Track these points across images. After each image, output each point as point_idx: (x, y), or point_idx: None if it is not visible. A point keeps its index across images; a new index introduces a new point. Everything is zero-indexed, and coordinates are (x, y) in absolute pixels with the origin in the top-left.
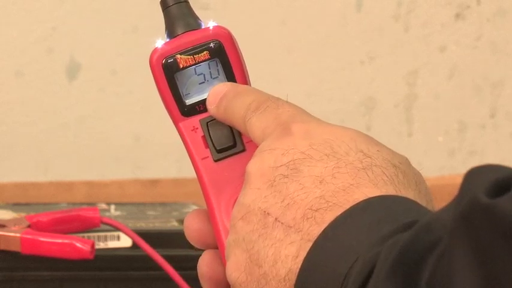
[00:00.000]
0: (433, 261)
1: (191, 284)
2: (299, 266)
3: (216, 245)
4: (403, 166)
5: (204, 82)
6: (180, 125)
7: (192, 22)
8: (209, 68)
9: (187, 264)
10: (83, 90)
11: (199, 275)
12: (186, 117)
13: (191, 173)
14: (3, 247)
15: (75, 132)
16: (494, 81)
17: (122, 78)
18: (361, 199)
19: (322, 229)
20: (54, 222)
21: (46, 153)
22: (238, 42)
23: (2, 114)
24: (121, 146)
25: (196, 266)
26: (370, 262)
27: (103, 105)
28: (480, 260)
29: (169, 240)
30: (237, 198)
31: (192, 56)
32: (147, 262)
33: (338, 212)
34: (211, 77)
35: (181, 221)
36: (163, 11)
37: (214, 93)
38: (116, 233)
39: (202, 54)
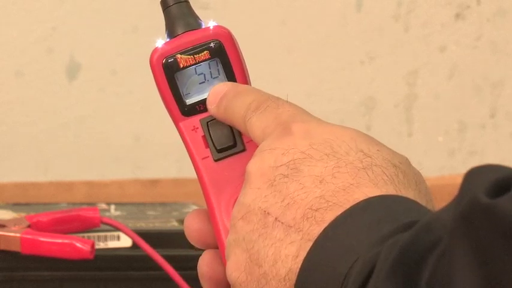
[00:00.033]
0: (433, 261)
1: (191, 284)
2: (299, 265)
3: (216, 245)
4: (403, 166)
5: (204, 82)
6: (181, 124)
7: (193, 22)
8: (209, 68)
9: (187, 264)
10: (83, 90)
11: (199, 274)
12: (186, 117)
13: (191, 173)
14: (3, 247)
15: (75, 132)
16: (494, 81)
17: (122, 78)
18: (361, 199)
19: (322, 229)
20: (54, 222)
21: (46, 153)
22: (238, 42)
23: (2, 114)
24: (121, 146)
25: (196, 266)
26: (370, 262)
27: (103, 105)
28: (480, 260)
29: (169, 240)
30: (237, 198)
31: (192, 56)
32: (147, 262)
33: (338, 211)
34: (211, 77)
35: (181, 221)
36: (163, 11)
37: (214, 92)
38: (116, 233)
39: (202, 54)
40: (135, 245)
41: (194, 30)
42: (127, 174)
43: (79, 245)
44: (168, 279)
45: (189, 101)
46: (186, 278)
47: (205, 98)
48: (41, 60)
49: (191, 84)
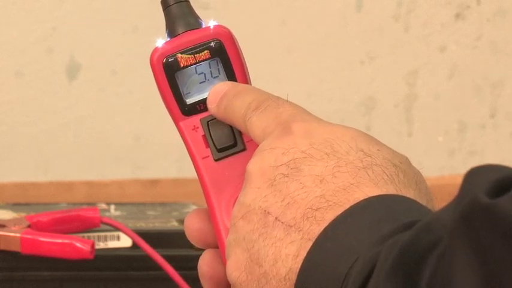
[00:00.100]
0: (434, 262)
1: (191, 284)
2: (299, 265)
3: (216, 245)
4: (403, 165)
5: (204, 81)
6: (181, 124)
7: (193, 21)
8: (210, 67)
9: (187, 264)
10: (83, 90)
11: (199, 274)
12: (186, 117)
13: (191, 173)
14: (3, 247)
15: (75, 132)
16: (494, 81)
17: (122, 78)
18: (361, 198)
19: (323, 228)
20: (54, 222)
21: (46, 153)
22: (238, 42)
23: (2, 114)
24: (121, 146)
25: (196, 266)
26: (370, 262)
27: (103, 105)
28: (480, 260)
29: (169, 240)
30: (237, 197)
31: (192, 55)
32: (147, 262)
33: (338, 211)
34: (211, 76)
35: (181, 221)
36: (163, 11)
37: (214, 92)
38: (116, 233)
39: (202, 53)
40: (135, 245)
41: (194, 30)
42: (127, 174)
43: (79, 245)
44: (168, 279)
45: (190, 100)
46: (186, 278)
47: (206, 98)
48: (41, 60)
49: (191, 83)
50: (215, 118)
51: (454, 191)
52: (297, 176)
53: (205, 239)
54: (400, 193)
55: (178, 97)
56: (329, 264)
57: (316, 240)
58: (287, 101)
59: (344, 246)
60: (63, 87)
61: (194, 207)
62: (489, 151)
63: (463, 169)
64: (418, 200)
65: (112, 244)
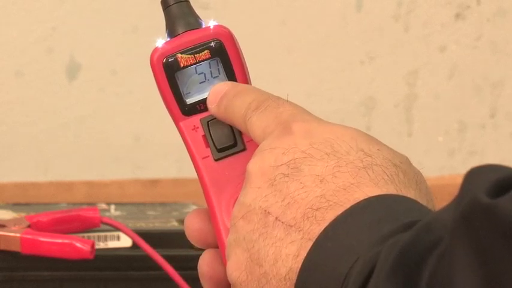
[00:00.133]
0: (434, 262)
1: (191, 284)
2: (299, 265)
3: (216, 245)
4: (403, 165)
5: (204, 81)
6: (181, 124)
7: (193, 21)
8: (210, 67)
9: (187, 264)
10: (83, 90)
11: (199, 274)
12: (186, 117)
13: (191, 173)
14: (3, 247)
15: (75, 132)
16: (494, 81)
17: (122, 78)
18: (361, 198)
19: (323, 228)
20: (54, 222)
21: (46, 153)
22: (238, 42)
23: (2, 114)
24: (121, 146)
25: (196, 266)
26: (370, 262)
27: (103, 105)
28: (481, 260)
29: (169, 240)
30: (237, 197)
31: (192, 55)
32: (147, 262)
33: (339, 211)
34: (211, 76)
35: (181, 221)
36: (163, 11)
37: (214, 92)
38: (116, 233)
39: (203, 53)
40: (135, 245)
41: (194, 30)
42: (127, 174)
43: (79, 245)
44: (168, 279)
45: (190, 100)
46: (186, 278)
47: (206, 98)
48: (41, 60)
49: (191, 83)
50: (215, 118)
51: (454, 191)
52: (297, 175)
53: (205, 239)
54: (400, 193)
55: (178, 97)
56: (329, 264)
57: (317, 240)
58: (287, 101)
59: (344, 246)
60: (63, 87)
61: (194, 207)
62: (489, 151)
63: (463, 169)
64: (418, 200)
65: (112, 244)
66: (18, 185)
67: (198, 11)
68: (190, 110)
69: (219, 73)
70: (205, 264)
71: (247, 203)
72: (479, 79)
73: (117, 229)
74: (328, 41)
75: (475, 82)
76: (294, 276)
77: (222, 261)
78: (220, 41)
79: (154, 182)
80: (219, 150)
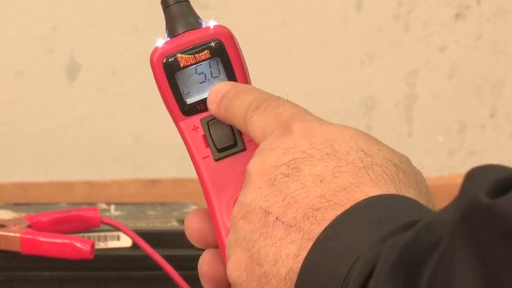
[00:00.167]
0: (434, 262)
1: (191, 284)
2: (300, 265)
3: (216, 245)
4: (403, 165)
5: (204, 81)
6: (181, 124)
7: (193, 21)
8: (210, 67)
9: (187, 264)
10: (83, 90)
11: (199, 274)
12: (186, 117)
13: (191, 173)
14: (3, 247)
15: (75, 132)
16: (494, 81)
17: (122, 78)
18: (361, 198)
19: (323, 228)
20: (54, 222)
21: (46, 153)
22: (238, 42)
23: (2, 114)
24: (121, 146)
25: (196, 266)
26: (370, 262)
27: (103, 105)
28: (481, 260)
29: (169, 240)
30: (237, 197)
31: (192, 55)
32: (147, 262)
33: (339, 211)
34: (212, 76)
35: (181, 221)
36: (163, 11)
37: (214, 92)
38: (116, 233)
39: (203, 53)
40: (135, 245)
41: (194, 30)
42: (127, 174)
43: (79, 245)
44: (168, 279)
45: (190, 100)
46: (186, 278)
47: (206, 98)
48: (41, 60)
49: (191, 83)
50: (215, 118)
51: (454, 191)
52: (297, 175)
53: (206, 239)
54: (400, 193)
55: (179, 97)
56: (329, 264)
57: (317, 240)
58: (287, 101)
59: (344, 246)
60: (63, 87)
61: (194, 207)
62: (489, 151)
63: (463, 169)
64: (418, 200)
65: (112, 244)
66: (18, 185)
67: (198, 11)
68: (190, 110)
69: (219, 73)
70: (206, 264)
71: (247, 203)
72: (479, 79)
73: (117, 229)
74: (328, 41)
75: (475, 82)
76: (294, 276)
77: (222, 261)
78: (220, 41)
79: (154, 182)
80: (219, 150)
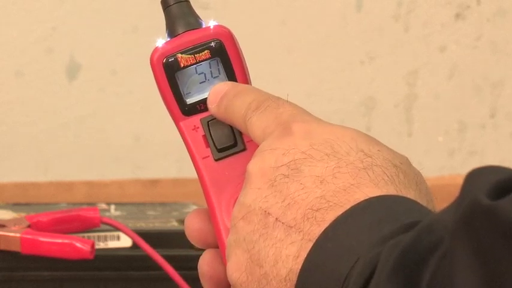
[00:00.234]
0: (435, 263)
1: (191, 284)
2: (300, 266)
3: (216, 245)
4: (403, 166)
5: (204, 81)
6: (181, 124)
7: (193, 21)
8: (210, 67)
9: (187, 264)
10: (83, 90)
11: (199, 274)
12: (186, 117)
13: (191, 173)
14: (3, 247)
15: (75, 132)
16: (494, 81)
17: (122, 78)
18: (361, 199)
19: (323, 229)
20: (54, 222)
21: (46, 153)
22: (238, 42)
23: (2, 114)
24: (121, 146)
25: (196, 266)
26: (371, 263)
27: (103, 105)
28: (481, 261)
29: (169, 240)
30: (237, 197)
31: (192, 55)
32: (147, 262)
33: (339, 211)
34: (212, 76)
35: (181, 221)
36: (163, 11)
37: (214, 92)
38: (116, 233)
39: (203, 53)
40: (135, 245)
41: (195, 30)
42: (127, 174)
43: (79, 245)
44: (168, 279)
45: (190, 100)
46: (186, 278)
47: (206, 98)
48: (41, 60)
49: (192, 83)
50: (215, 118)
51: (454, 191)
52: (297, 176)
53: (206, 239)
54: (400, 194)
55: (179, 97)
56: (329, 265)
57: (317, 241)
58: (287, 101)
59: (344, 247)
60: (63, 87)
61: (194, 207)
62: (489, 151)
63: (463, 169)
64: (418, 200)
65: (112, 244)
66: (18, 185)
67: (198, 11)
68: (190, 110)
69: (219, 73)
70: (206, 264)
71: (247, 204)
72: (479, 79)
73: (117, 229)
74: (328, 41)
75: (475, 82)
76: (294, 277)
77: (222, 261)
78: (220, 41)
79: (154, 182)
80: (219, 150)
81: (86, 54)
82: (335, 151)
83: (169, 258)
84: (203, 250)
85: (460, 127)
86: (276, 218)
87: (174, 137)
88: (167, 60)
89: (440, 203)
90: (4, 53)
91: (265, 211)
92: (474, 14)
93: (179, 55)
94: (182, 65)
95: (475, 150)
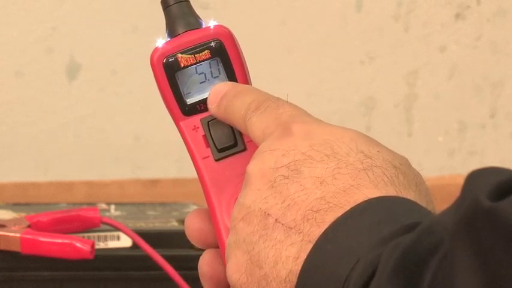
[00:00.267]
0: (435, 264)
1: (191, 284)
2: (300, 267)
3: (216, 245)
4: (403, 167)
5: (205, 81)
6: (181, 124)
7: (193, 21)
8: (210, 67)
9: (187, 264)
10: (83, 90)
11: (200, 274)
12: (187, 117)
13: (191, 173)
14: (3, 247)
15: (75, 132)
16: (494, 81)
17: (122, 78)
18: (361, 200)
19: (323, 230)
20: (54, 222)
21: (46, 153)
22: (239, 42)
23: (2, 114)
24: (121, 146)
25: (196, 266)
26: (371, 264)
27: (103, 105)
28: (482, 262)
29: (169, 240)
30: (238, 197)
31: (193, 55)
32: (147, 262)
33: (338, 213)
34: (212, 76)
35: (181, 221)
36: (164, 11)
37: (214, 92)
38: (116, 233)
39: (203, 53)
40: (135, 245)
41: (195, 30)
42: (127, 174)
43: (79, 245)
44: (168, 279)
45: (190, 100)
46: (186, 278)
47: (206, 98)
48: (41, 60)
49: (192, 83)
50: (215, 118)
51: (454, 191)
52: (297, 177)
53: (206, 239)
54: (400, 195)
55: (179, 97)
56: (329, 266)
57: (317, 242)
58: (287, 102)
59: (344, 248)
60: (63, 87)
61: (194, 207)
62: (489, 151)
63: (463, 169)
64: (418, 201)
65: (112, 244)
66: (18, 185)
67: (198, 11)
68: (190, 110)
69: (220, 73)
70: (206, 264)
71: (247, 205)
72: (479, 79)
73: (117, 229)
74: (328, 41)
75: (475, 82)
76: (294, 279)
77: (222, 261)
78: (220, 41)
79: (154, 182)
80: (220, 150)
81: (86, 54)
82: (335, 152)
83: (169, 258)
84: (203, 250)
85: (460, 127)
86: (276, 219)
87: (174, 137)
88: (167, 60)
89: (440, 203)
90: (4, 53)
91: (265, 212)
92: (474, 14)
93: (179, 55)
94: (182, 65)
95: (475, 150)
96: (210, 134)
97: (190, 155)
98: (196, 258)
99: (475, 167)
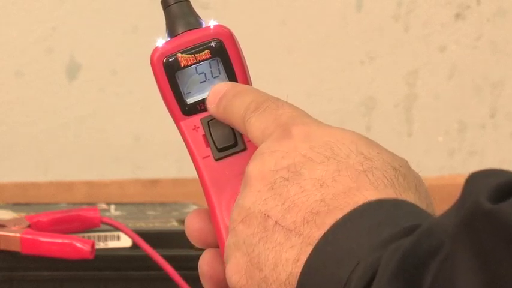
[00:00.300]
0: (436, 266)
1: (191, 284)
2: (300, 270)
3: (216, 244)
4: (403, 169)
5: (205, 81)
6: (181, 124)
7: (193, 21)
8: (210, 67)
9: (187, 264)
10: (83, 90)
11: (200, 274)
12: (187, 116)
13: (191, 173)
14: (3, 247)
15: (75, 132)
16: (494, 81)
17: (122, 78)
18: (361, 202)
19: (323, 233)
20: (54, 222)
21: (46, 153)
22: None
23: (2, 114)
24: (121, 146)
25: (196, 266)
26: (371, 267)
27: (103, 105)
28: (483, 264)
29: (169, 240)
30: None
31: (193, 55)
32: (147, 262)
33: (338, 215)
34: (212, 76)
35: (181, 221)
36: (164, 10)
37: (214, 92)
38: (116, 233)
39: (203, 53)
40: (135, 245)
41: (195, 30)
42: (127, 174)
43: (79, 245)
44: (168, 279)
45: (190, 100)
46: (186, 278)
47: (206, 98)
48: (41, 60)
49: (192, 83)
50: (215, 118)
51: (454, 191)
52: (297, 179)
53: (206, 239)
54: (400, 197)
55: (179, 97)
56: (329, 268)
57: (317, 244)
58: (286, 102)
59: (344, 251)
60: (63, 87)
61: (194, 207)
62: (489, 151)
63: (463, 169)
64: (417, 203)
65: (112, 244)
66: (18, 185)
67: (198, 11)
68: (190, 110)
69: (220, 73)
70: (206, 264)
71: (246, 207)
72: (479, 79)
73: (117, 229)
74: (328, 41)
75: (475, 82)
76: (294, 281)
77: (223, 261)
78: (220, 40)
79: (154, 182)
80: (220, 150)
81: (86, 54)
82: (335, 154)
83: (169, 258)
84: (203, 250)
85: (460, 127)
86: (276, 221)
87: (174, 137)
88: (167, 60)
89: (440, 203)
90: (4, 53)
91: (265, 214)
92: (474, 14)
93: (179, 55)
94: (182, 65)
95: (475, 150)
96: (210, 134)
97: (190, 154)
98: (196, 258)
99: (475, 167)
